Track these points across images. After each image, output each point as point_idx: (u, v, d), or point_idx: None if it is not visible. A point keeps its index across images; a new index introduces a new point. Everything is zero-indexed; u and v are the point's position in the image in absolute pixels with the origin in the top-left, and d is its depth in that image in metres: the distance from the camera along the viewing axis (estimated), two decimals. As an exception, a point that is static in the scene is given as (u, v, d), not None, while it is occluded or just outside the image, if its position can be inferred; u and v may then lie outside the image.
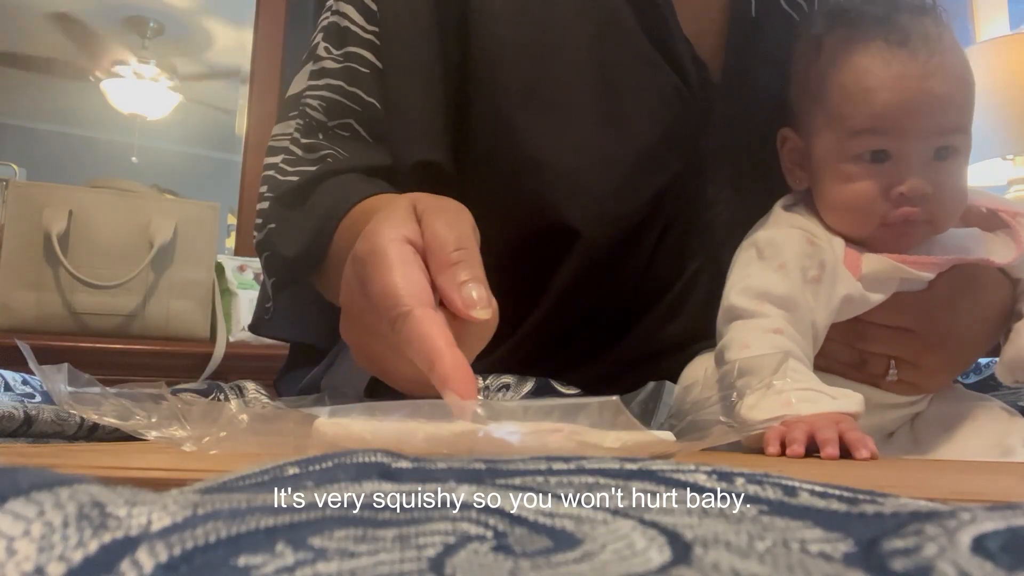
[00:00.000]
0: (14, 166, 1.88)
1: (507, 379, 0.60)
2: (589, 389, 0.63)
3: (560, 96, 0.64)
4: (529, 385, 0.59)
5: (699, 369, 0.63)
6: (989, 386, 0.72)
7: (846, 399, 0.51)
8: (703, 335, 0.64)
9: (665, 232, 0.67)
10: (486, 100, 0.65)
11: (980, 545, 0.14)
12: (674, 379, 0.64)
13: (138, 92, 3.73)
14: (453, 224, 0.41)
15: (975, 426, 0.60)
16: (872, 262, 0.58)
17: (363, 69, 0.65)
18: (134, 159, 4.12)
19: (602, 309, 0.67)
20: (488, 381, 0.60)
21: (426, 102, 0.65)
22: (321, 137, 0.65)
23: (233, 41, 3.51)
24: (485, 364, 0.66)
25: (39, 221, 1.47)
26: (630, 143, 0.64)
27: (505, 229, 0.63)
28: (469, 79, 0.65)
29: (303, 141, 0.66)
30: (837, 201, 0.60)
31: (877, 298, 0.58)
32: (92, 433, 0.48)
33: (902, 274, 0.58)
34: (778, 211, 0.64)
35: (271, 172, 0.66)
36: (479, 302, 0.38)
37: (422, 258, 0.40)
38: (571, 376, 0.62)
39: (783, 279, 0.57)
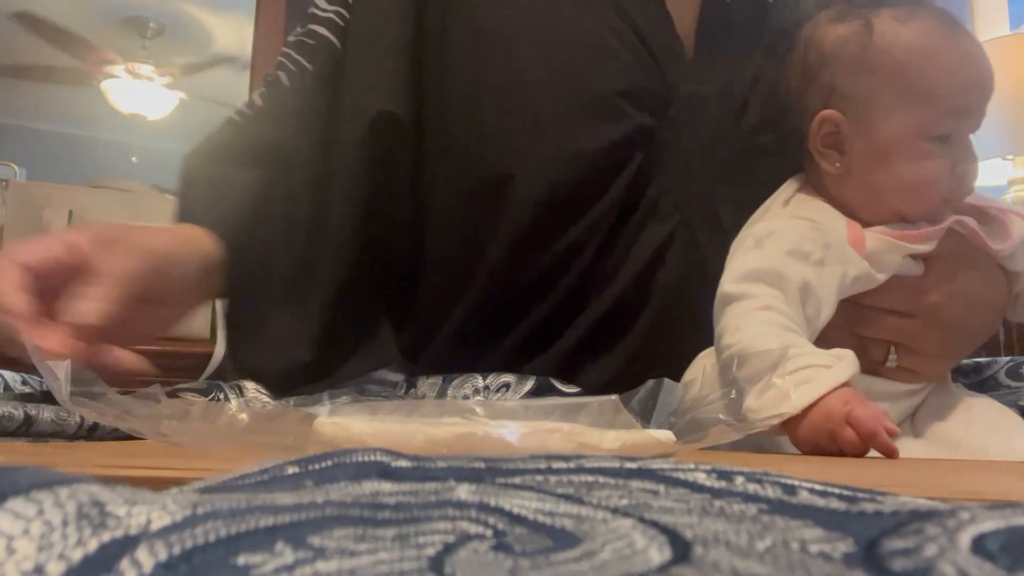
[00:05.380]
0: (14, 166, 1.88)
1: (507, 378, 0.60)
2: (571, 363, 0.63)
3: (520, 41, 0.68)
4: (529, 384, 0.59)
5: (699, 367, 0.63)
6: (989, 386, 0.73)
7: (839, 365, 0.52)
8: (677, 308, 0.64)
9: (632, 196, 0.67)
10: (463, 53, 0.70)
11: (980, 545, 0.14)
12: (649, 353, 0.65)
13: (138, 92, 3.73)
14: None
15: (970, 414, 0.61)
16: (872, 240, 0.59)
17: (311, 41, 0.73)
18: (134, 159, 4.12)
19: (566, 281, 0.67)
20: (488, 380, 0.60)
21: (389, 52, 0.70)
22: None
23: (234, 41, 3.51)
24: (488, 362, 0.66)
25: (39, 221, 1.47)
26: (584, 89, 0.67)
27: (465, 182, 0.68)
28: (448, 35, 0.70)
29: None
30: (911, 179, 0.60)
31: (881, 277, 0.59)
32: (92, 433, 0.48)
33: (901, 250, 0.59)
34: (777, 207, 0.64)
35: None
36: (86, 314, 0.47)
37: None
38: (545, 347, 0.64)
39: (770, 257, 0.58)
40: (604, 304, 0.66)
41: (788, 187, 0.66)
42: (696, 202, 0.67)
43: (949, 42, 0.60)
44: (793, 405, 0.49)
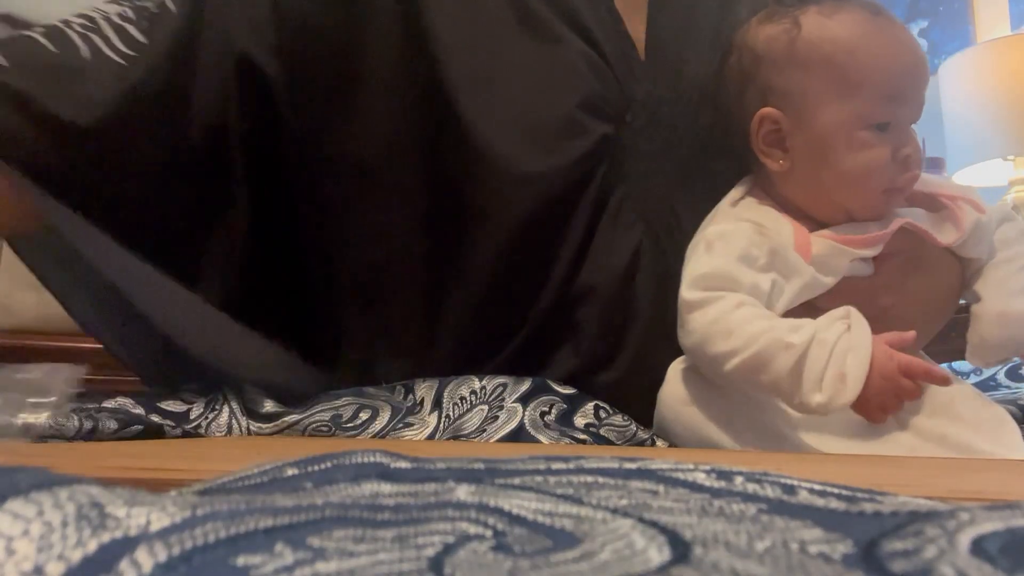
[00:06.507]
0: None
1: (503, 379, 0.60)
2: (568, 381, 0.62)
3: (486, 68, 0.66)
4: (525, 386, 0.59)
5: (674, 383, 0.62)
6: (989, 386, 0.73)
7: (854, 322, 0.54)
8: (660, 320, 0.63)
9: (600, 206, 0.65)
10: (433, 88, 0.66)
11: (979, 547, 0.14)
12: (642, 365, 0.64)
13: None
14: None
15: (952, 410, 0.60)
16: (818, 244, 0.60)
17: None
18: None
19: (545, 300, 0.66)
20: (484, 382, 0.60)
21: None
22: None
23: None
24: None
25: (39, 221, 1.46)
26: (543, 109, 0.65)
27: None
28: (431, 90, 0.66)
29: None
30: (852, 169, 0.61)
31: (829, 281, 0.60)
32: (91, 436, 0.48)
33: (847, 255, 0.60)
34: (725, 208, 0.65)
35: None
36: None
37: None
38: (534, 369, 0.62)
39: (726, 263, 0.59)
40: (591, 324, 0.64)
41: (738, 189, 0.66)
42: (657, 208, 0.66)
43: (876, 31, 0.61)
44: (856, 385, 0.51)
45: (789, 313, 0.59)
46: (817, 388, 0.52)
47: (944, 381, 0.53)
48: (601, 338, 0.64)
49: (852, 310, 0.55)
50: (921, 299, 0.63)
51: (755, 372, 0.54)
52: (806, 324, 0.54)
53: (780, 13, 0.64)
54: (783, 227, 0.61)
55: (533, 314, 0.64)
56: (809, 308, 0.60)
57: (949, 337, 0.67)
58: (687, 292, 0.58)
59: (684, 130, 0.68)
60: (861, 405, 0.52)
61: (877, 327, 0.58)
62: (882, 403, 0.53)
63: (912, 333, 0.55)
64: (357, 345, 0.70)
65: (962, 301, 0.66)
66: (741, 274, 0.58)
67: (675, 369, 0.62)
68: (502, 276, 0.65)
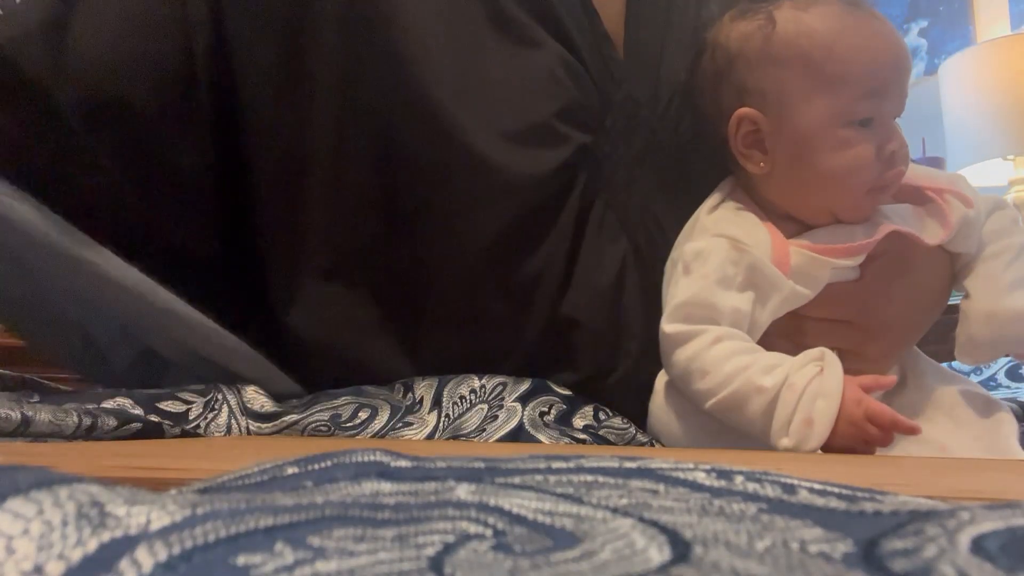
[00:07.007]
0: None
1: (503, 378, 0.60)
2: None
3: (465, 69, 0.62)
4: (525, 386, 0.59)
5: (661, 395, 0.61)
6: (989, 386, 0.73)
7: (828, 365, 0.53)
8: (649, 323, 0.62)
9: (583, 216, 0.64)
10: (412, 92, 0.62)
11: (979, 546, 0.14)
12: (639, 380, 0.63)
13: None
14: None
15: (954, 414, 0.60)
16: (797, 256, 0.58)
17: None
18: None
19: (537, 319, 0.63)
20: (484, 381, 0.60)
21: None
22: None
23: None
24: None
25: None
26: (520, 119, 0.62)
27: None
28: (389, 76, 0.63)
29: None
30: (835, 169, 0.59)
31: (809, 292, 0.59)
32: (89, 433, 0.48)
33: (827, 265, 0.58)
34: (703, 219, 0.63)
35: None
36: None
37: None
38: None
39: (703, 288, 0.57)
40: (585, 346, 0.62)
41: (718, 192, 0.65)
42: (640, 216, 0.64)
43: (854, 24, 0.59)
44: (823, 432, 0.51)
45: (777, 322, 0.59)
46: (784, 433, 0.52)
47: (911, 431, 0.51)
48: (596, 358, 0.63)
49: (827, 352, 0.54)
50: (910, 298, 0.62)
51: (730, 412, 0.54)
52: (781, 365, 0.54)
53: (753, 8, 0.62)
54: (761, 238, 0.59)
55: (525, 338, 0.62)
56: (796, 316, 0.60)
57: (949, 337, 0.66)
58: (667, 325, 0.57)
59: (664, 133, 0.66)
60: (830, 449, 0.52)
61: (866, 331, 0.57)
62: (851, 448, 0.52)
63: (892, 378, 0.54)
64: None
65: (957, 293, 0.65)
66: (720, 300, 0.57)
67: (661, 381, 0.62)
68: (479, 298, 0.62)
